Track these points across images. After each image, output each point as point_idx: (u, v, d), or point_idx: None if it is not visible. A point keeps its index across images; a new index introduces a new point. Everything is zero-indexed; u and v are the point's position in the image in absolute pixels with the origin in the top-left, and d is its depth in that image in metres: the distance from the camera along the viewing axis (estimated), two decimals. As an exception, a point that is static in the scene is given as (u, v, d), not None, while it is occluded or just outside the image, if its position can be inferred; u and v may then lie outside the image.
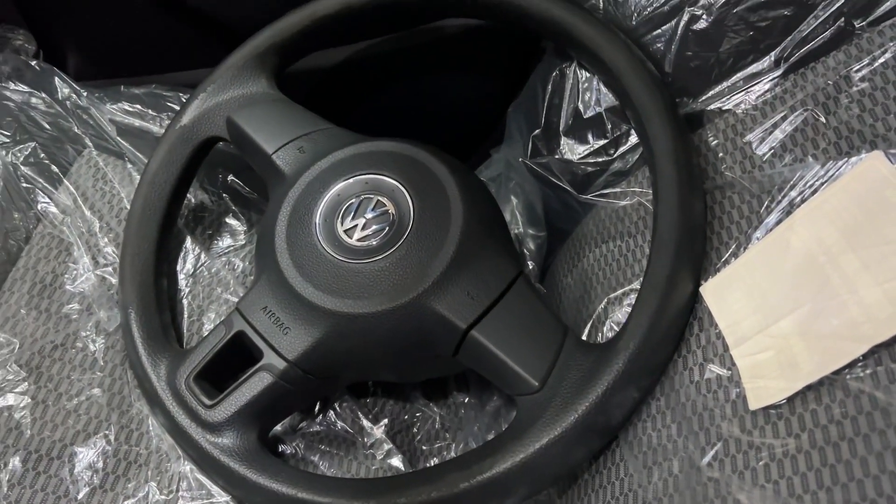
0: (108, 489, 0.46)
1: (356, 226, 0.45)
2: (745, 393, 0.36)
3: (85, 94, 0.60)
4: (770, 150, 0.43)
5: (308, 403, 0.51)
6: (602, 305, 0.47)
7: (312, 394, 0.49)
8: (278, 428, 0.50)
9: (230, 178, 0.59)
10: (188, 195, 0.55)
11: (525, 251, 0.58)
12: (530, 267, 0.57)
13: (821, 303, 0.35)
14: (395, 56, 0.64)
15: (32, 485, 0.46)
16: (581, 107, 0.52)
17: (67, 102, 0.60)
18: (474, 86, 0.71)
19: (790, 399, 0.34)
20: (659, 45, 0.48)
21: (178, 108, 0.60)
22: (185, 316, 0.53)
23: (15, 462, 0.46)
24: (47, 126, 0.59)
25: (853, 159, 0.38)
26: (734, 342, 0.38)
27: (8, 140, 0.57)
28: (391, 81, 0.68)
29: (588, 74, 0.52)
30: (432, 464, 0.53)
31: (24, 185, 0.56)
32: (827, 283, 0.36)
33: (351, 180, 0.47)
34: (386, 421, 0.52)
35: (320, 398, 0.51)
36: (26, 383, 0.49)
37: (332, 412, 0.51)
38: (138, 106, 0.60)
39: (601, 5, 0.51)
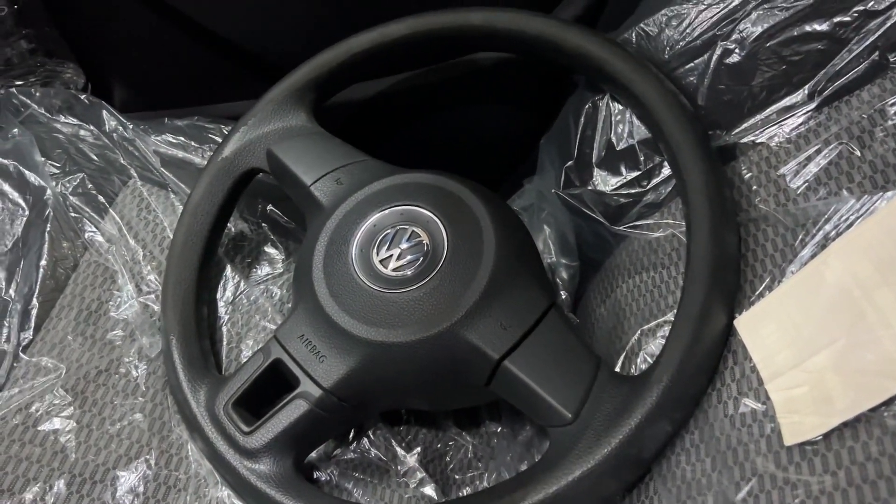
0: (148, 513, 0.47)
1: (391, 256, 0.46)
2: (780, 428, 0.36)
3: (131, 126, 0.62)
4: (804, 183, 0.43)
5: (342, 430, 0.51)
6: (635, 337, 0.47)
7: (347, 421, 0.50)
8: (313, 455, 0.50)
9: (269, 208, 0.61)
10: (228, 224, 0.57)
11: (558, 280, 0.58)
12: (563, 297, 0.57)
13: (855, 338, 0.35)
14: (429, 88, 0.65)
15: (76, 507, 0.47)
16: (614, 139, 0.52)
17: (114, 134, 0.62)
18: (507, 118, 0.72)
19: (826, 435, 0.34)
20: (691, 79, 0.48)
21: (219, 140, 0.62)
22: (225, 343, 0.54)
23: (60, 485, 0.47)
24: (95, 157, 0.62)
25: (888, 193, 0.38)
26: (768, 376, 0.38)
27: (58, 171, 0.59)
28: (426, 113, 0.70)
29: (620, 107, 0.52)
30: (465, 493, 0.53)
31: (73, 214, 0.58)
32: (862, 317, 0.35)
33: (386, 211, 0.48)
34: (419, 449, 0.52)
35: (355, 425, 0.52)
36: (72, 408, 0.50)
37: (365, 440, 0.51)
38: (181, 138, 0.62)
39: (634, 39, 0.51)
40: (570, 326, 0.45)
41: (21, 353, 0.52)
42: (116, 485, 0.48)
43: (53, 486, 0.47)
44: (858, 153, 0.41)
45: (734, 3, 0.47)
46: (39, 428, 0.49)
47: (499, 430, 0.55)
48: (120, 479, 0.48)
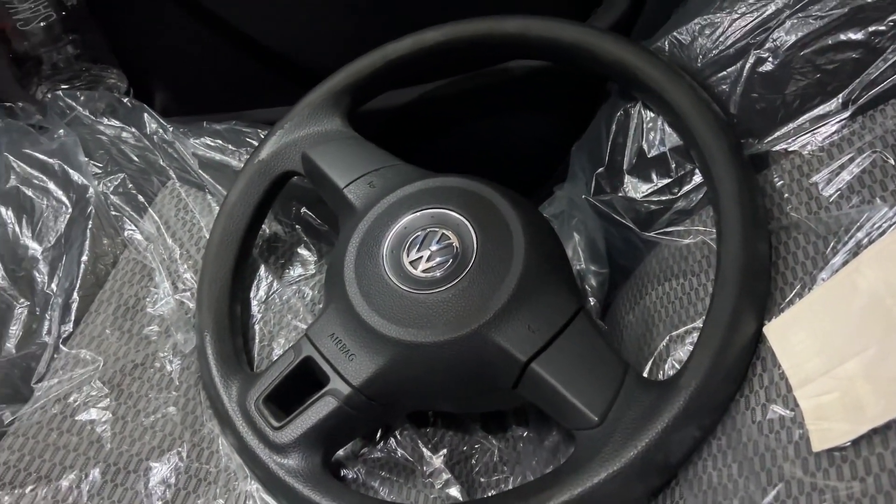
0: (179, 504, 0.48)
1: (421, 257, 0.46)
2: (809, 434, 0.36)
3: (171, 129, 0.64)
4: (837, 191, 0.42)
5: (370, 429, 0.52)
6: (664, 343, 0.47)
7: (375, 420, 0.51)
8: (340, 453, 0.51)
9: (303, 210, 0.62)
10: (263, 226, 0.58)
11: (587, 287, 0.58)
12: (592, 303, 0.57)
13: (887, 346, 0.35)
14: (463, 95, 0.66)
15: (111, 496, 0.48)
16: (645, 146, 0.52)
17: (154, 137, 0.64)
18: (539, 125, 0.72)
19: (855, 442, 0.34)
20: (724, 87, 0.49)
21: (256, 143, 0.63)
22: (257, 340, 0.55)
23: (95, 473, 0.49)
24: (136, 158, 0.63)
25: (923, 202, 0.38)
26: (798, 383, 0.38)
27: (100, 171, 0.61)
28: (459, 120, 0.70)
29: (652, 114, 0.52)
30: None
31: (114, 213, 0.59)
32: (894, 326, 0.35)
33: (418, 214, 0.48)
34: (445, 451, 0.52)
35: (382, 425, 0.52)
36: (108, 399, 0.52)
37: (392, 440, 0.52)
38: (219, 141, 0.63)
39: (667, 47, 0.52)
40: (599, 331, 0.45)
41: (61, 346, 0.54)
42: (149, 475, 0.49)
43: (89, 474, 0.49)
44: (892, 162, 0.40)
45: (768, 12, 0.47)
46: (77, 418, 0.51)
47: (525, 434, 0.55)
48: (153, 469, 0.49)
